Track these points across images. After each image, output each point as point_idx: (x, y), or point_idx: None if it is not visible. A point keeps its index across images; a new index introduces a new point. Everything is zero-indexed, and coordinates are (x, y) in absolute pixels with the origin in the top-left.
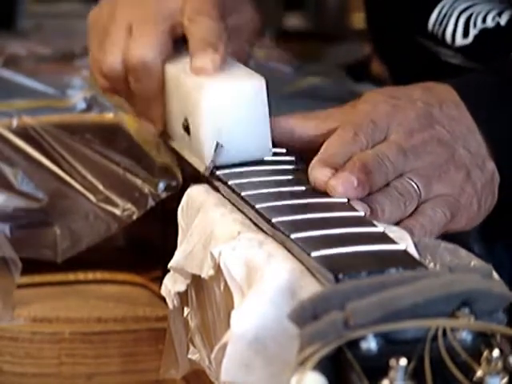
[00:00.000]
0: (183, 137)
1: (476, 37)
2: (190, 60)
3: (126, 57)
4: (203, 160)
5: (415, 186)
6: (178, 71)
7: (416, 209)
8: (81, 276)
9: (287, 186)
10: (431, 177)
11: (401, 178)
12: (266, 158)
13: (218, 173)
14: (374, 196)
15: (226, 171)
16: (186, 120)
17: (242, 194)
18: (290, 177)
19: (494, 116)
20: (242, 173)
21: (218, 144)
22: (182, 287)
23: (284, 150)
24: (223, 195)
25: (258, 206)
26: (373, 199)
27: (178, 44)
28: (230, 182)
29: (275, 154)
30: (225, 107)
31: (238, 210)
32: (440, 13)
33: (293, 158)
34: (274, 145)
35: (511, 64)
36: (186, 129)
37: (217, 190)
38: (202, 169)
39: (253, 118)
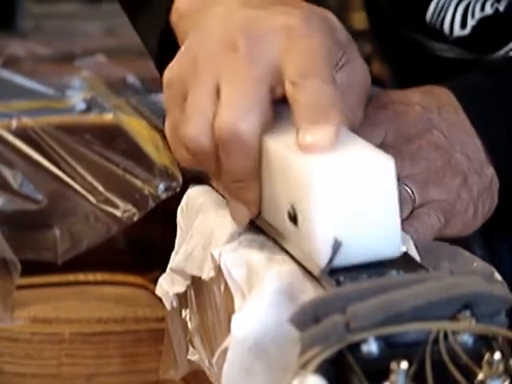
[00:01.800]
0: (288, 227)
1: (474, 27)
2: (297, 133)
3: (215, 127)
4: (316, 258)
5: (410, 192)
6: (280, 146)
7: (411, 213)
8: (81, 277)
9: None
10: (427, 182)
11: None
12: None
13: None
14: None
15: None
16: (292, 208)
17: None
18: None
19: (492, 121)
20: None
21: (336, 241)
22: (181, 288)
23: None
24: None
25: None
26: None
27: (278, 110)
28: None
29: None
30: (344, 194)
31: None
32: (438, 4)
33: None
34: None
35: (510, 66)
36: (293, 218)
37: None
38: (314, 270)
39: (379, 207)
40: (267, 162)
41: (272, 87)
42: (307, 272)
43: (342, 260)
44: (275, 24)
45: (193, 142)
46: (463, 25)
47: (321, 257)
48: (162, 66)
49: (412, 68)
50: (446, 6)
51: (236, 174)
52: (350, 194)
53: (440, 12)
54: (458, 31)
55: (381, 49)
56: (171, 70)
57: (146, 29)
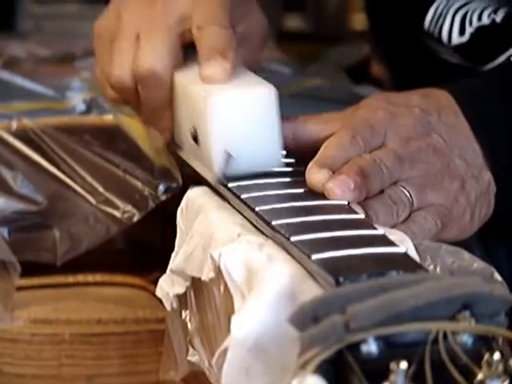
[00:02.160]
0: (192, 146)
1: (472, 35)
2: (199, 68)
3: (135, 67)
4: (212, 170)
5: (408, 195)
6: (187, 80)
7: (408, 216)
8: (80, 278)
9: (287, 188)
10: (425, 186)
11: (395, 186)
12: None
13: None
14: (368, 202)
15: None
16: (194, 129)
17: (242, 196)
18: (289, 179)
19: (491, 125)
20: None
21: (227, 154)
22: (181, 289)
23: (284, 152)
24: (224, 198)
25: (258, 209)
26: (367, 205)
27: (187, 51)
28: (230, 185)
29: None
30: (234, 116)
31: (238, 212)
32: (436, 12)
33: (292, 161)
34: None
35: (509, 71)
36: (195, 138)
37: (218, 193)
38: (210, 179)
39: (263, 126)
40: (177, 94)
41: (182, 33)
42: (306, 271)
43: (233, 170)
44: None
45: (117, 80)
46: (461, 32)
47: (216, 167)
48: None
49: (411, 69)
50: (443, 14)
51: (152, 106)
52: (240, 116)
53: (438, 20)
54: (456, 39)
55: (380, 50)
56: (100, 23)
57: None
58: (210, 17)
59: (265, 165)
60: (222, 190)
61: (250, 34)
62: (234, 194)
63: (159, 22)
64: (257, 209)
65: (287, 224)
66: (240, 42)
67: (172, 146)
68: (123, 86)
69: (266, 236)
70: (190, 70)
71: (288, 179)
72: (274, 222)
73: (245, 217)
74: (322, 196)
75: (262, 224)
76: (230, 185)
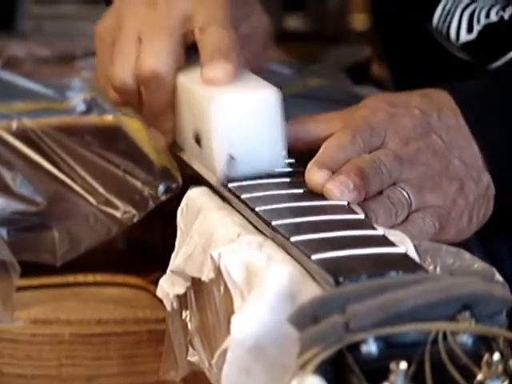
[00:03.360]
0: (194, 148)
1: (480, 32)
2: (202, 70)
3: (137, 69)
4: (215, 172)
5: (406, 196)
6: (189, 82)
7: (407, 217)
8: (80, 278)
9: (287, 188)
10: (423, 187)
11: (393, 187)
12: None
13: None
14: (367, 203)
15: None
16: (197, 131)
17: (242, 196)
18: (289, 179)
19: (490, 127)
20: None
21: (229, 156)
22: (181, 290)
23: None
24: (225, 199)
25: (257, 209)
26: (366, 206)
27: (190, 53)
28: (230, 185)
29: None
30: (236, 118)
31: (238, 212)
32: (444, 9)
33: (292, 161)
34: None
35: (509, 74)
36: (197, 140)
37: (219, 194)
38: (213, 181)
39: (266, 129)
40: (179, 96)
41: (184, 34)
42: (306, 272)
43: (235, 172)
44: None
45: (119, 82)
46: (469, 29)
47: (218, 170)
48: None
49: (416, 68)
50: (452, 11)
51: (154, 107)
52: (243, 118)
53: (446, 17)
54: (464, 36)
55: (383, 49)
56: (102, 24)
57: None
58: (212, 18)
59: (268, 167)
60: (223, 191)
61: (252, 35)
62: (235, 195)
63: (161, 23)
64: (256, 209)
65: (287, 224)
66: (243, 43)
67: (174, 147)
68: (125, 87)
69: (266, 236)
70: (193, 72)
71: (288, 179)
72: (273, 222)
73: (245, 217)
74: (322, 196)
75: (262, 224)
76: (231, 185)
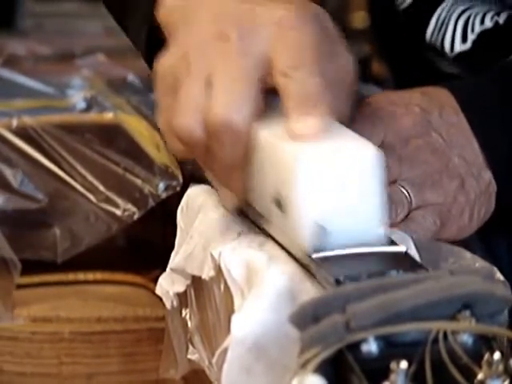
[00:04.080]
0: (275, 214)
1: (474, 42)
2: (287, 122)
3: (207, 116)
4: (300, 243)
5: (407, 194)
6: (269, 135)
7: (407, 216)
8: (81, 276)
9: None
10: (423, 185)
11: (393, 186)
12: None
13: None
14: None
15: None
16: (279, 194)
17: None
18: None
19: (491, 125)
20: None
21: (319, 227)
22: (181, 288)
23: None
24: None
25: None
26: None
27: (268, 100)
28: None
29: None
30: (328, 181)
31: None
32: (438, 20)
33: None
34: None
35: (510, 72)
36: (279, 204)
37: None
38: (298, 254)
39: (363, 195)
40: (257, 151)
41: (263, 78)
42: (306, 271)
43: (325, 246)
44: (267, 16)
45: (186, 132)
46: (464, 39)
47: (305, 242)
48: (151, 63)
49: (412, 76)
50: (446, 21)
51: (226, 163)
52: (335, 181)
53: (440, 28)
54: (458, 47)
55: (381, 48)
56: (163, 62)
57: (133, 27)
58: (299, 61)
59: (364, 241)
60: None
61: (338, 81)
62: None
63: (235, 62)
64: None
65: None
66: (330, 89)
67: (246, 209)
68: (191, 137)
69: (266, 235)
70: (273, 123)
71: None
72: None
73: (245, 216)
74: None
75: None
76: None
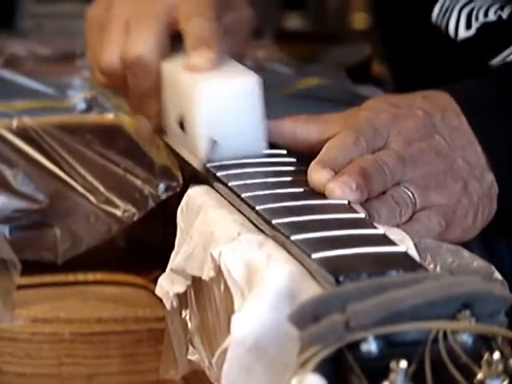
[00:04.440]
0: (179, 134)
1: (478, 29)
2: (186, 57)
3: (124, 53)
4: (198, 156)
5: (411, 195)
6: (174, 68)
7: (411, 217)
8: (81, 277)
9: (288, 187)
10: (428, 186)
11: (397, 187)
12: (267, 160)
13: (217, 174)
14: (370, 203)
15: (226, 172)
16: (181, 117)
17: (243, 195)
18: (290, 178)
19: (492, 127)
20: (242, 174)
21: (212, 140)
22: (181, 288)
23: (285, 152)
24: (223, 196)
25: (258, 208)
26: (370, 206)
27: (175, 41)
28: (230, 184)
29: (276, 156)
30: (219, 104)
31: (238, 211)
32: (442, 6)
33: (293, 160)
34: (276, 146)
35: (509, 74)
36: (182, 125)
37: (216, 190)
38: (197, 165)
39: (247, 114)
40: (164, 82)
41: (170, 22)
42: (306, 270)
43: (217, 156)
44: None
45: (106, 66)
46: (468, 26)
47: (201, 153)
48: None
49: (415, 68)
50: (450, 8)
51: (140, 93)
52: (224, 104)
53: (445, 14)
54: (463, 32)
55: (383, 48)
56: (92, 10)
57: None
58: (197, 8)
59: (248, 152)
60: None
61: (236, 25)
62: (234, 193)
63: (148, 10)
64: (257, 207)
65: (287, 223)
66: (225, 33)
67: (159, 132)
68: (112, 72)
69: (266, 235)
70: (177, 59)
71: (288, 178)
72: (273, 221)
73: (245, 215)
74: (322, 195)
75: (262, 223)
76: (211, 167)
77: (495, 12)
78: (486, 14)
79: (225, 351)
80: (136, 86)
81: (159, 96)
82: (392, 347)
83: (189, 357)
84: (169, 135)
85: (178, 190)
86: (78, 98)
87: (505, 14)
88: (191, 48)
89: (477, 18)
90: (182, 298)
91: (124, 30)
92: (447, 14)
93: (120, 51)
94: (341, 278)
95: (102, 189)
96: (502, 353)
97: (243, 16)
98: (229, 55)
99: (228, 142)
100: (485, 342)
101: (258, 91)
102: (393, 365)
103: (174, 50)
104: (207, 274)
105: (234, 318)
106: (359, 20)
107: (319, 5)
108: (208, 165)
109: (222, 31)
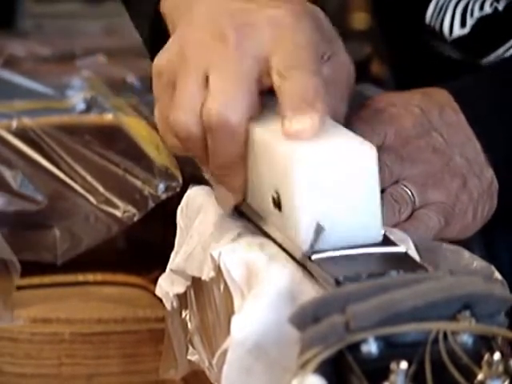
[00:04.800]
0: (272, 213)
1: (473, 26)
2: (283, 121)
3: (204, 114)
4: (298, 242)
5: (410, 193)
6: (266, 134)
7: (411, 214)
8: (81, 277)
9: None
10: (426, 184)
11: (396, 185)
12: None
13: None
14: None
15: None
16: (276, 193)
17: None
18: None
19: (490, 124)
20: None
21: (318, 225)
22: (180, 289)
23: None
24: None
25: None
26: None
27: (264, 97)
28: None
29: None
30: (326, 180)
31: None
32: (437, 4)
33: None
34: None
35: (509, 69)
36: (277, 204)
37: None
38: (296, 253)
39: (360, 194)
40: (253, 150)
41: (259, 78)
42: (306, 271)
43: (323, 244)
44: (264, 16)
45: (182, 128)
46: (463, 23)
47: (303, 241)
48: (154, 54)
49: (412, 67)
50: (445, 5)
51: (223, 161)
52: (332, 180)
53: (440, 12)
54: (457, 31)
55: (383, 49)
56: (161, 59)
57: (138, 17)
58: (296, 61)
59: (362, 239)
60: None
61: (335, 80)
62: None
63: (233, 61)
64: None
65: None
66: (327, 87)
67: (244, 208)
68: (188, 135)
69: (266, 235)
70: (270, 122)
71: None
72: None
73: (242, 215)
74: None
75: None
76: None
77: (491, 4)
78: (481, 7)
79: (225, 352)
80: (219, 153)
81: (246, 165)
82: (392, 348)
83: (189, 357)
84: (258, 213)
85: (178, 189)
86: (77, 99)
87: (501, 6)
88: (290, 110)
89: (472, 14)
90: (181, 299)
91: (202, 85)
92: (441, 13)
93: (198, 110)
94: (341, 279)
95: (101, 189)
96: (502, 353)
97: (343, 66)
98: (331, 116)
99: (337, 228)
100: (485, 343)
101: (375, 164)
102: (393, 366)
103: (264, 110)
104: (207, 274)
105: (234, 319)
106: (359, 20)
107: (319, 5)
108: (313, 257)
109: (323, 87)
